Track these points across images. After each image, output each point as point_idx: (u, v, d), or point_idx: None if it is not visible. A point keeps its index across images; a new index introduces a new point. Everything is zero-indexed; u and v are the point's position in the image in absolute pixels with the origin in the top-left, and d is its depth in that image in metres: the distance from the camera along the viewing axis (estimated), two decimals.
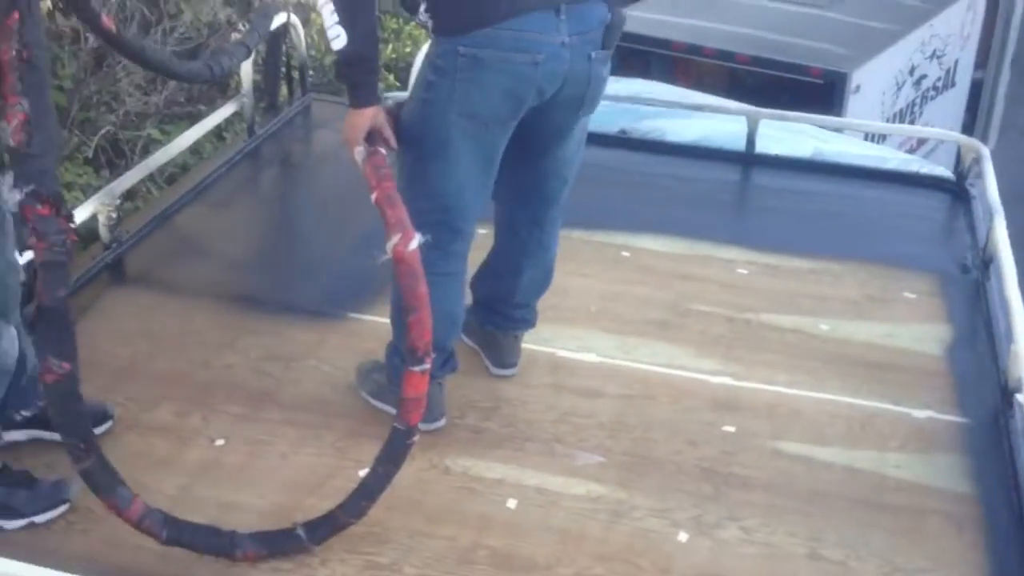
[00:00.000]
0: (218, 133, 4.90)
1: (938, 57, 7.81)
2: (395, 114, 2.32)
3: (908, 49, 7.33)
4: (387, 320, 2.94)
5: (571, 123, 2.40)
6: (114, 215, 3.12)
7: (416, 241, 2.04)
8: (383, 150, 2.22)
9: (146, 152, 5.03)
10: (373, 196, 2.10)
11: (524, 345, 2.77)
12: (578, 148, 2.50)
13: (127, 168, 4.44)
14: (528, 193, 2.53)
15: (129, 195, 4.57)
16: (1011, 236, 4.12)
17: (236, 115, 4.12)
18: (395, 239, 2.03)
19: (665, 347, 2.90)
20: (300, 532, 2.14)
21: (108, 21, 2.34)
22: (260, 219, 3.71)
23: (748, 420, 2.62)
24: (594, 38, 2.26)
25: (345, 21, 2.14)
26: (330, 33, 2.17)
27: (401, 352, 2.29)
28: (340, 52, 2.17)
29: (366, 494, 2.15)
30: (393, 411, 2.41)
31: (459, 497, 2.35)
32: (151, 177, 4.83)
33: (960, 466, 2.48)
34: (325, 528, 2.16)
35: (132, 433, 2.48)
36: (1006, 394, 2.61)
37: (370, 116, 2.22)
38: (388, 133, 2.26)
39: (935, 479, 2.44)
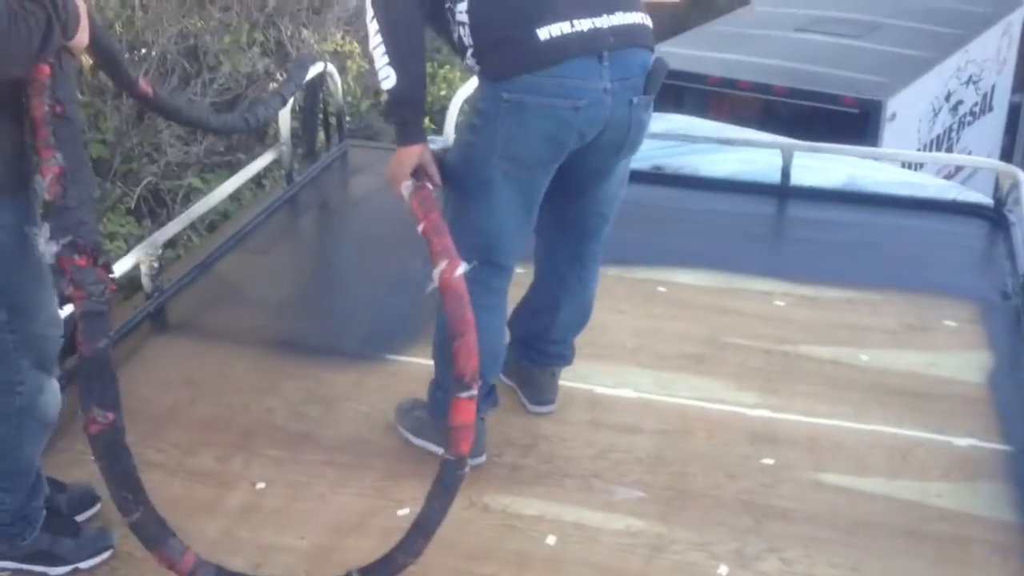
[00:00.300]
0: (257, 181, 4.99)
1: (975, 82, 7.78)
2: (441, 158, 2.38)
3: (944, 75, 7.32)
4: (424, 361, 2.98)
5: (611, 165, 2.43)
6: (156, 264, 3.19)
7: (462, 268, 2.09)
8: (429, 185, 2.28)
9: (187, 201, 5.13)
10: (420, 227, 2.16)
11: (561, 382, 2.78)
12: (619, 187, 2.53)
13: (169, 217, 4.54)
14: (569, 228, 2.56)
15: (170, 243, 4.66)
16: None
17: (275, 163, 4.19)
18: (442, 266, 2.08)
19: (702, 381, 2.89)
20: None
21: (145, 85, 2.40)
22: (299, 265, 3.76)
23: (787, 452, 2.61)
24: (636, 84, 2.30)
25: (395, 63, 2.24)
26: (380, 74, 2.27)
27: (444, 385, 2.35)
28: (389, 92, 2.27)
29: (423, 532, 2.12)
30: (433, 448, 2.48)
31: (498, 535, 2.36)
32: (192, 225, 4.92)
33: (1004, 494, 2.45)
34: (384, 570, 2.12)
35: (175, 479, 2.52)
36: None
37: (417, 153, 2.30)
38: (433, 170, 2.32)
39: (978, 508, 2.41)
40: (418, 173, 2.29)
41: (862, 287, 3.35)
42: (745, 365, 2.97)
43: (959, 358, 2.98)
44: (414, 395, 2.81)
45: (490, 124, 2.29)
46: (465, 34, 2.29)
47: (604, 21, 2.26)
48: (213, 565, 2.07)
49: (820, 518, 2.39)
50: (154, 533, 2.00)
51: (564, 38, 2.22)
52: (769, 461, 2.57)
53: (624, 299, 3.28)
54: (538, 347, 2.72)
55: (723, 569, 2.25)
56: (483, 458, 2.55)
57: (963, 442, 2.62)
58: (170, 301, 3.27)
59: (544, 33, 2.21)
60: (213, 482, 2.52)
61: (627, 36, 2.29)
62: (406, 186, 2.26)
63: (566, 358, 2.76)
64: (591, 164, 2.40)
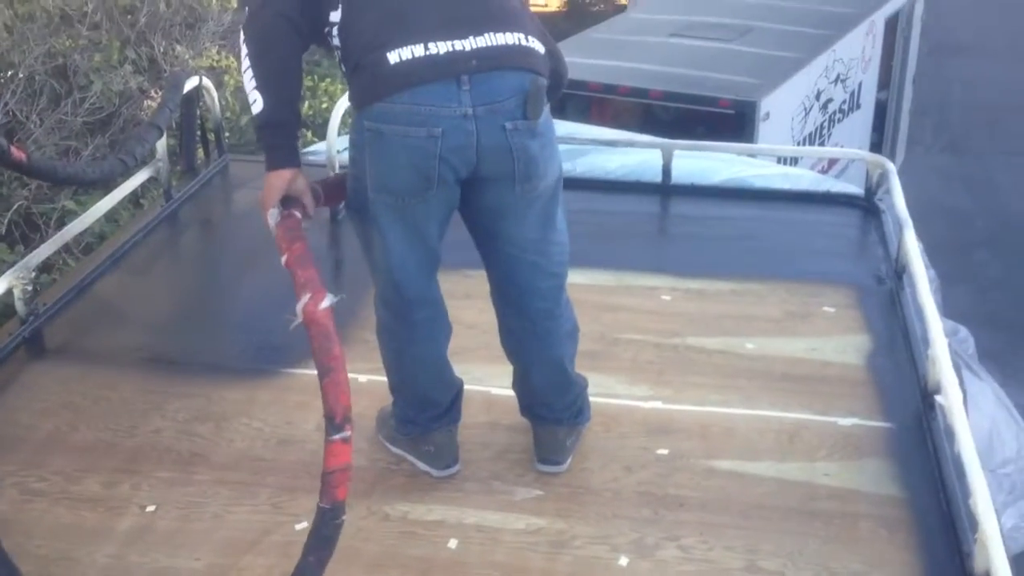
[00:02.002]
0: (135, 200, 4.85)
1: (842, 81, 8.07)
2: (338, 182, 2.34)
3: (813, 75, 7.58)
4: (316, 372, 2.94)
5: (512, 200, 2.25)
6: (29, 288, 3.08)
7: (328, 301, 1.97)
8: (298, 214, 2.19)
9: (61, 224, 4.96)
10: (283, 259, 2.07)
11: None
12: (543, 230, 2.33)
13: (42, 241, 4.38)
14: (503, 283, 2.41)
15: (46, 268, 4.51)
16: (927, 245, 4.28)
17: (152, 180, 4.09)
18: (305, 299, 1.96)
19: (596, 377, 2.91)
20: None
21: (17, 152, 2.31)
22: (182, 282, 3.67)
23: (681, 441, 2.65)
24: (508, 108, 2.14)
25: (262, 86, 2.16)
26: (250, 98, 2.19)
27: (397, 401, 2.42)
28: (256, 116, 2.18)
29: None
30: (411, 459, 2.52)
31: (399, 542, 2.34)
32: (68, 249, 4.78)
33: (887, 470, 2.54)
34: None
35: (60, 507, 2.43)
36: (926, 397, 2.68)
37: (287, 179, 2.20)
38: (308, 200, 2.24)
39: (864, 484, 2.49)
40: (289, 200, 2.20)
41: (745, 279, 3.43)
42: (637, 359, 3.02)
43: (839, 342, 3.08)
44: (306, 407, 2.78)
45: (360, 156, 2.22)
46: (339, 60, 2.25)
47: (467, 44, 2.12)
48: None
49: (715, 504, 2.44)
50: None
51: (415, 61, 2.09)
52: (664, 451, 2.61)
53: None
54: (533, 410, 2.58)
55: (623, 560, 2.27)
56: (456, 468, 2.54)
57: (847, 422, 2.71)
58: (47, 325, 3.15)
59: (394, 56, 2.10)
60: (101, 508, 2.43)
61: (495, 58, 2.13)
62: (271, 214, 2.18)
63: (562, 420, 2.55)
64: (486, 201, 2.26)
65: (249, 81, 2.17)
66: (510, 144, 2.16)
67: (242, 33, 2.21)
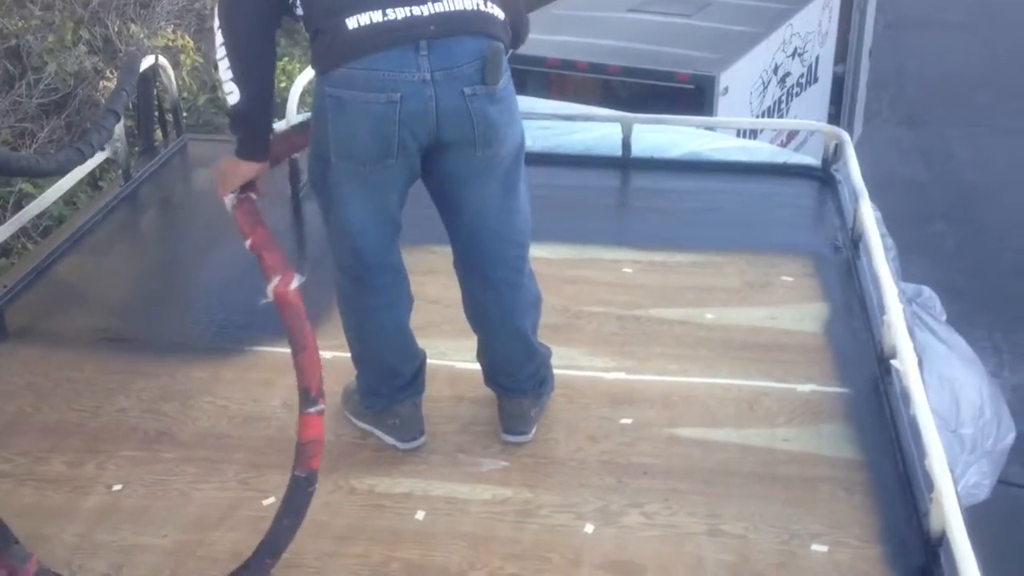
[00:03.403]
0: (92, 182, 4.81)
1: (800, 55, 8.12)
2: (283, 140, 2.36)
3: (771, 49, 7.61)
4: (280, 349, 2.95)
5: (473, 166, 2.27)
6: None
7: (296, 281, 2.03)
8: (254, 196, 2.22)
9: (18, 207, 4.90)
10: (248, 242, 2.10)
11: None
12: (509, 201, 2.36)
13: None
14: (467, 252, 2.43)
15: (3, 252, 4.46)
16: (885, 216, 4.34)
17: (110, 162, 4.05)
18: (275, 281, 2.02)
19: (559, 349, 2.93)
20: None
21: None
22: (143, 262, 3.65)
23: (644, 411, 2.69)
24: (466, 73, 2.15)
25: (239, 79, 2.17)
26: (225, 88, 2.19)
27: (360, 373, 2.43)
28: (232, 107, 2.19)
29: (271, 551, 2.06)
30: (377, 433, 2.53)
31: (367, 515, 2.36)
32: (26, 232, 4.73)
33: (845, 434, 2.59)
34: None
35: (24, 488, 2.42)
36: (882, 362, 2.74)
37: (255, 169, 2.23)
38: (264, 187, 2.26)
39: (823, 448, 2.54)
40: (246, 186, 2.22)
41: (705, 250, 3.47)
42: (599, 331, 3.05)
43: (797, 310, 3.13)
44: (271, 385, 2.79)
45: (322, 123, 2.23)
46: (301, 28, 2.24)
47: (425, 9, 2.13)
48: (55, 574, 1.99)
49: (678, 471, 2.48)
50: None
51: (373, 27, 2.11)
52: (627, 421, 2.65)
53: None
54: (497, 381, 2.61)
55: (589, 528, 2.31)
56: (422, 440, 2.56)
57: (805, 388, 2.76)
58: (7, 308, 3.13)
59: (352, 23, 2.11)
60: (66, 487, 2.43)
61: (453, 23, 2.14)
62: (229, 198, 2.21)
63: (526, 391, 2.58)
64: (448, 165, 2.27)
65: (225, 71, 2.17)
66: (469, 109, 2.18)
67: (217, 19, 2.19)
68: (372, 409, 2.55)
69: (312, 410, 2.00)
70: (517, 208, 2.40)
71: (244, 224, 2.14)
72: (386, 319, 2.45)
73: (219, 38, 2.18)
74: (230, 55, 2.16)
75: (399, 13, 2.12)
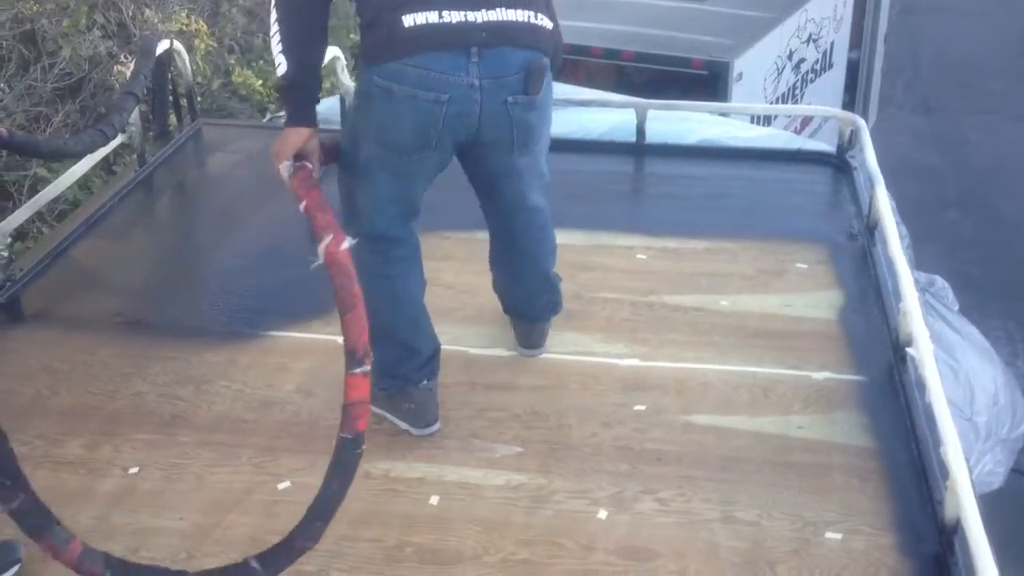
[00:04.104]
0: (107, 167, 4.82)
1: (814, 40, 8.08)
2: (337, 142, 2.43)
3: (785, 35, 7.57)
4: (295, 334, 2.96)
5: (509, 165, 2.44)
6: (5, 254, 3.06)
7: (347, 243, 2.07)
8: (309, 165, 2.28)
9: (34, 192, 4.92)
10: (302, 205, 2.15)
11: None
12: (533, 180, 2.53)
13: (15, 209, 4.35)
14: (500, 225, 2.63)
15: (20, 236, 4.47)
16: (899, 204, 4.32)
17: (125, 146, 4.06)
18: (327, 240, 2.05)
19: (573, 336, 2.95)
20: (255, 564, 1.98)
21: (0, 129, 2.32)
22: (159, 246, 3.66)
23: (658, 397, 2.69)
24: (511, 83, 2.28)
25: (287, 51, 2.25)
26: (276, 60, 2.27)
27: (377, 355, 2.38)
28: (281, 77, 2.27)
29: (320, 515, 2.03)
30: (390, 417, 2.56)
31: (382, 499, 2.37)
32: (41, 217, 4.74)
33: (860, 422, 2.58)
34: (282, 556, 2.01)
35: (42, 469, 2.44)
36: (898, 350, 2.73)
37: (304, 136, 2.28)
38: (315, 161, 2.32)
39: (837, 436, 2.54)
40: (299, 155, 2.28)
41: (719, 237, 3.46)
42: (613, 318, 3.05)
43: (812, 298, 3.12)
44: (286, 370, 2.80)
45: (365, 108, 2.33)
46: (354, 12, 2.31)
47: (478, 16, 2.23)
48: (100, 552, 1.98)
49: (691, 457, 2.48)
50: (37, 522, 1.91)
51: (428, 27, 2.21)
52: (641, 407, 2.65)
53: None
54: (515, 309, 2.83)
55: (603, 514, 2.31)
56: (437, 426, 2.57)
57: (819, 375, 2.76)
58: (24, 291, 3.15)
59: (409, 20, 2.21)
60: (83, 470, 2.45)
61: (504, 34, 2.26)
62: (285, 166, 2.27)
63: (544, 317, 2.84)
64: (487, 163, 2.44)
65: (276, 45, 2.26)
66: (510, 116, 2.32)
67: None
68: (387, 392, 2.56)
69: (358, 371, 1.99)
70: (544, 173, 2.59)
71: (299, 188, 2.19)
72: (400, 290, 2.50)
73: (274, 13, 2.26)
74: (282, 25, 2.24)
75: (454, 17, 2.22)
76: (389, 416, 2.58)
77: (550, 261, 2.75)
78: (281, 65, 2.25)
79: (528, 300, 2.80)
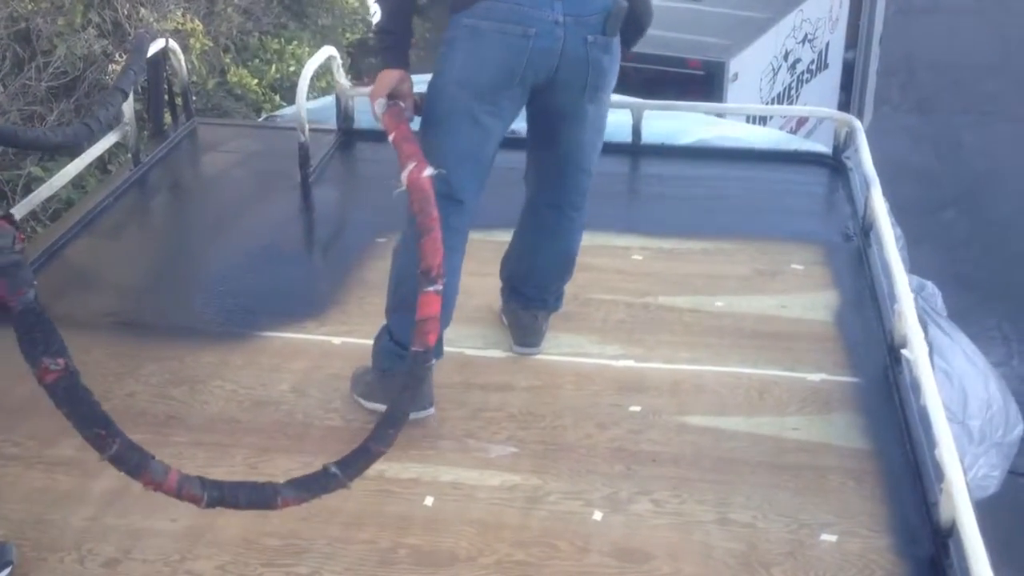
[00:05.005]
0: (102, 166, 4.80)
1: (810, 41, 8.08)
2: (420, 99, 2.52)
3: (781, 35, 7.57)
4: (289, 335, 2.95)
5: (578, 107, 2.51)
6: None
7: (429, 170, 2.16)
8: (402, 104, 2.41)
9: (28, 191, 4.90)
10: (391, 136, 2.26)
11: None
12: (595, 136, 2.61)
13: (9, 207, 4.33)
14: (550, 177, 2.67)
15: None
16: (894, 206, 4.32)
17: (119, 146, 4.05)
18: (410, 167, 2.15)
19: (569, 337, 2.95)
20: (335, 470, 2.02)
21: None
22: (153, 246, 3.65)
23: (653, 399, 2.69)
24: (592, 23, 2.39)
25: (381, 1, 2.43)
26: (374, 8, 2.42)
27: (391, 334, 2.53)
28: (376, 24, 2.47)
29: (393, 421, 2.06)
30: (379, 407, 2.48)
31: (376, 500, 2.36)
32: (35, 216, 4.73)
33: (855, 423, 2.58)
34: (358, 462, 2.05)
35: (33, 471, 2.43)
36: (893, 351, 2.73)
37: (395, 77, 2.40)
38: (410, 103, 2.44)
39: (832, 437, 2.54)
40: (393, 96, 2.40)
41: (715, 238, 3.46)
42: (608, 319, 3.04)
43: (808, 299, 3.12)
44: (279, 371, 2.80)
45: (450, 51, 2.43)
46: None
47: None
48: (198, 478, 2.00)
49: (687, 458, 2.48)
50: (136, 461, 1.93)
51: None
52: (636, 408, 2.65)
53: (489, 262, 3.26)
54: (521, 290, 2.83)
55: (598, 515, 2.31)
56: (431, 410, 2.59)
57: (815, 377, 2.75)
58: None
59: None
60: (75, 471, 2.43)
61: None
62: (379, 103, 2.39)
63: (547, 303, 2.85)
64: (557, 103, 2.49)
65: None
66: (588, 56, 2.42)
67: None
68: (389, 371, 2.54)
69: (430, 289, 2.06)
70: (598, 145, 2.65)
71: (388, 122, 2.32)
72: (449, 263, 2.47)
73: None
74: None
75: None
76: (383, 407, 2.54)
77: (577, 243, 2.77)
78: (376, 13, 2.39)
79: (542, 280, 2.81)
